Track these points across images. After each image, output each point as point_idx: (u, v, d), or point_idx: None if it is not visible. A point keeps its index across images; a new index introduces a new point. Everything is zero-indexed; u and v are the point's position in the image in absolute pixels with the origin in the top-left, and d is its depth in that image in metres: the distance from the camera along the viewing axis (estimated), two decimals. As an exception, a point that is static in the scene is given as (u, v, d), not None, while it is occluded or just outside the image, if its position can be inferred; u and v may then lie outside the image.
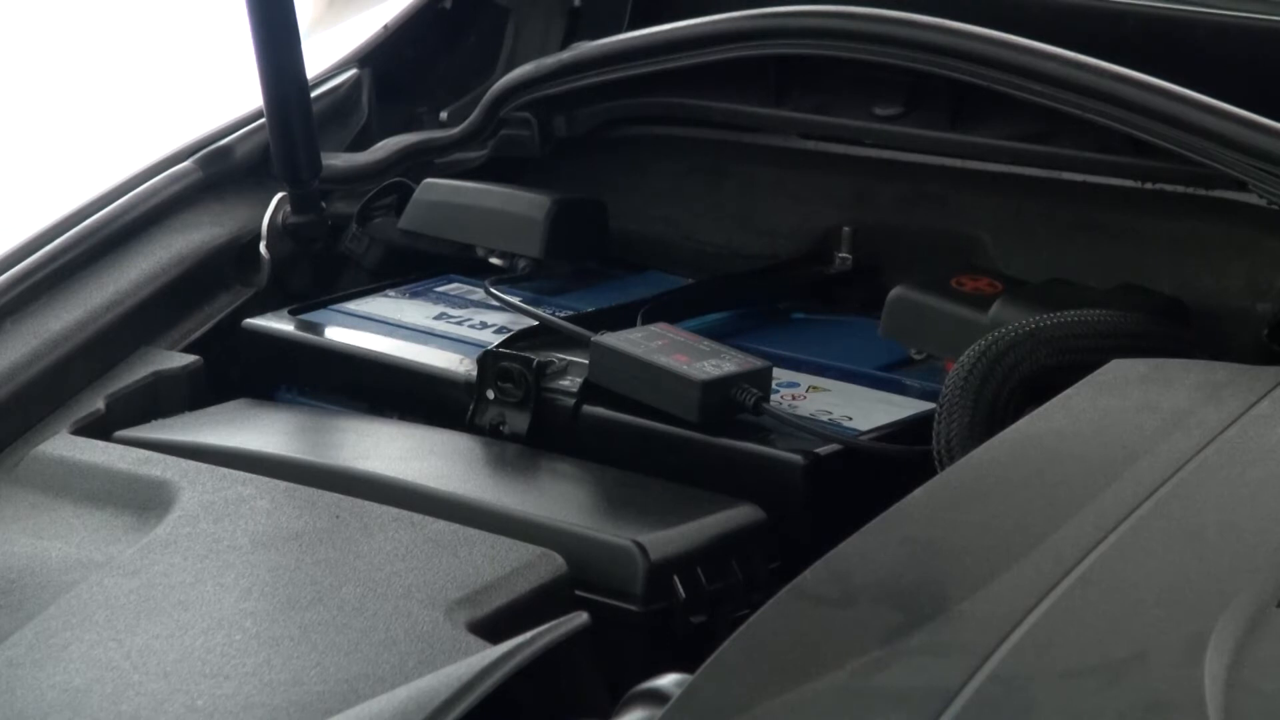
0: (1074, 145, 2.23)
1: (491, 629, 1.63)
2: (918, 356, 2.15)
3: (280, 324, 2.25)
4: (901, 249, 2.37)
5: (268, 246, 2.34)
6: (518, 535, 1.77)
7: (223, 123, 2.42)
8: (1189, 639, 1.29)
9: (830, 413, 2.02)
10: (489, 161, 2.51)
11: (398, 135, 2.53)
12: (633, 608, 1.76)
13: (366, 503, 1.83)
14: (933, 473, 1.66)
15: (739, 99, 2.41)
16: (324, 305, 2.31)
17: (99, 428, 2.04)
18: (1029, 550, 1.40)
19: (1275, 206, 2.14)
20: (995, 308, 2.02)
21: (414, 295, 2.35)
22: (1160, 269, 2.21)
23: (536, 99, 2.47)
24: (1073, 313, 1.94)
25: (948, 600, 1.34)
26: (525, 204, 2.37)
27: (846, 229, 2.39)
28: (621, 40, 2.44)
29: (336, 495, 1.85)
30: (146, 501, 1.85)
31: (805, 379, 2.12)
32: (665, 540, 1.79)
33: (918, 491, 1.51)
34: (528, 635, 1.46)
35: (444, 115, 2.62)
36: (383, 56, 2.60)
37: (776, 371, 2.04)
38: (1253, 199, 2.17)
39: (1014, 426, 1.68)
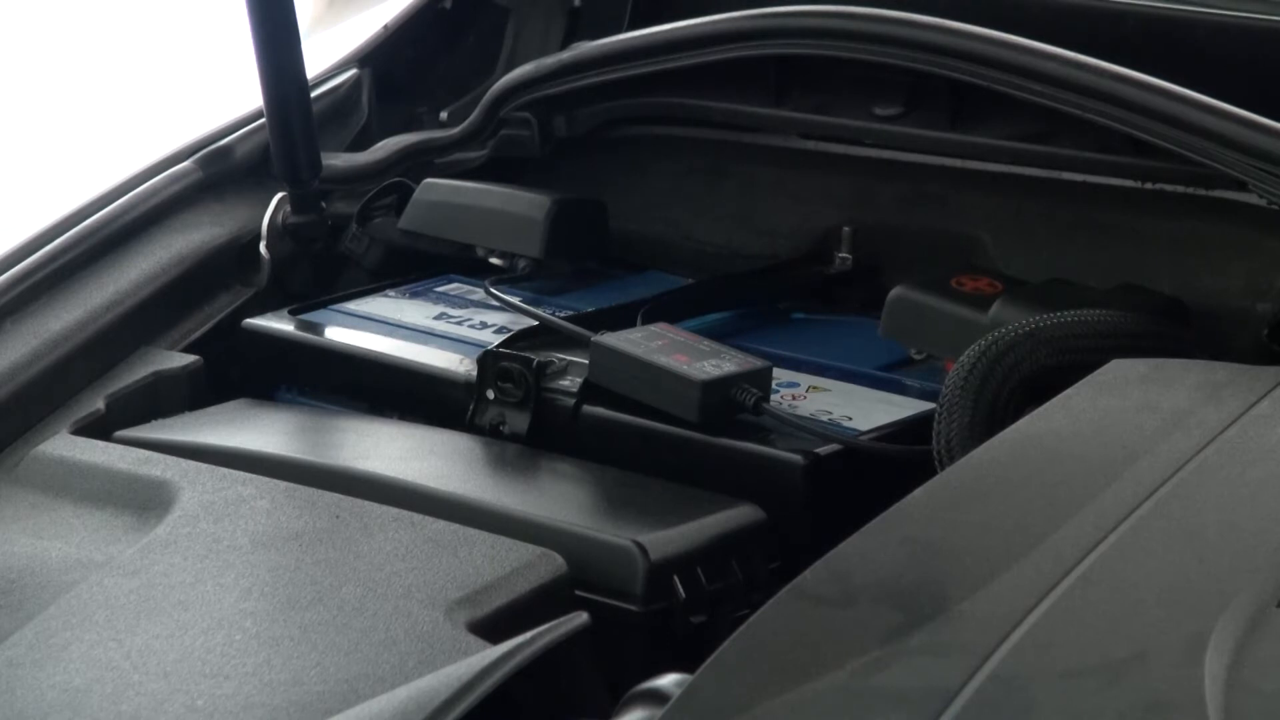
0: (1074, 145, 2.23)
1: (491, 629, 1.63)
2: (918, 356, 2.15)
3: (280, 324, 2.25)
4: (901, 249, 2.37)
5: (268, 246, 2.34)
6: (518, 535, 1.77)
7: (223, 123, 2.42)
8: (1189, 639, 1.29)
9: (830, 413, 2.02)
10: (489, 161, 2.51)
11: (398, 135, 2.53)
12: (633, 608, 1.76)
13: (366, 503, 1.83)
14: (933, 473, 1.66)
15: (739, 99, 2.41)
16: (324, 305, 2.31)
17: (99, 428, 2.04)
18: (1029, 550, 1.40)
19: (1275, 206, 2.14)
20: (995, 308, 2.02)
21: (414, 295, 2.35)
22: (1160, 269, 2.21)
23: (536, 99, 2.47)
24: (1073, 313, 1.94)
25: (948, 600, 1.34)
26: (525, 204, 2.37)
27: (846, 229, 2.39)
28: (621, 40, 2.44)
29: (336, 495, 1.85)
30: (146, 501, 1.85)
31: (805, 379, 2.12)
32: (665, 540, 1.79)
33: (918, 491, 1.51)
34: (528, 635, 1.46)
35: (444, 115, 2.63)
36: (383, 56, 2.60)
37: (776, 371, 2.04)
38: (1253, 199, 2.17)
39: (1014, 426, 1.68)
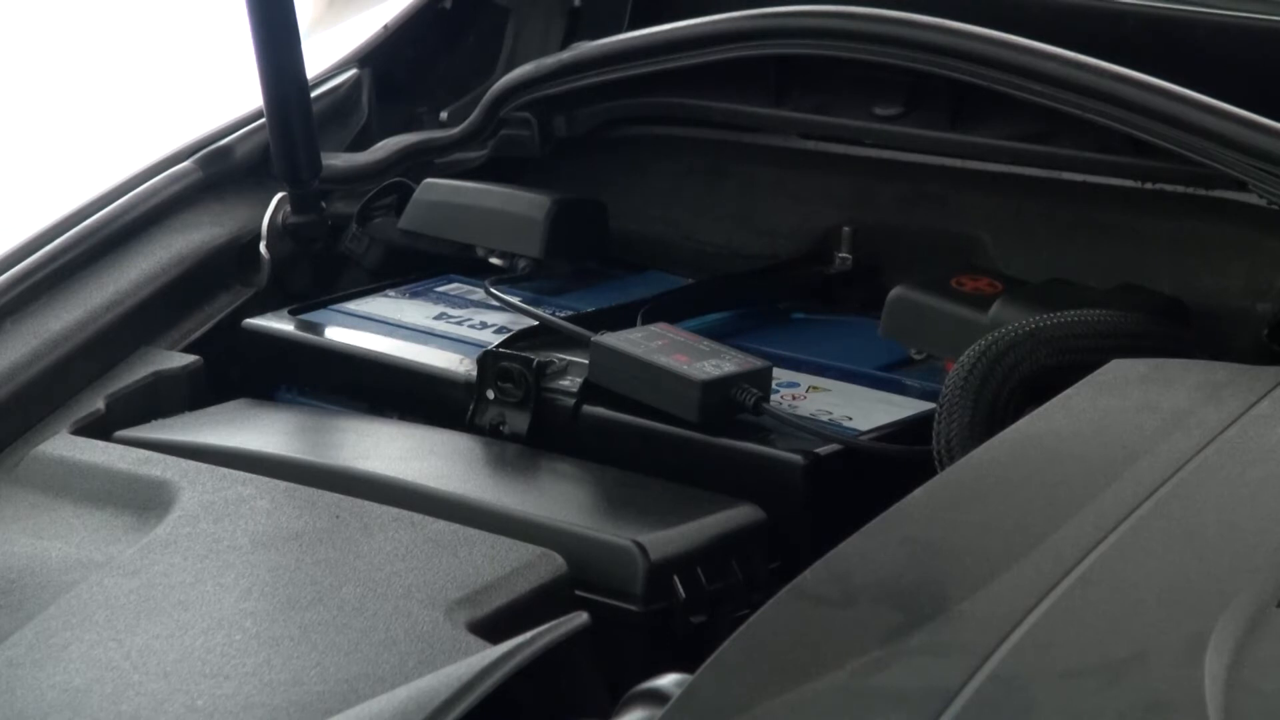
0: (1074, 145, 2.23)
1: (491, 629, 1.63)
2: (918, 356, 2.16)
3: (280, 324, 2.25)
4: (901, 249, 2.37)
5: (268, 246, 2.34)
6: (518, 535, 1.77)
7: (223, 123, 2.42)
8: (1189, 639, 1.29)
9: (830, 413, 2.02)
10: (489, 161, 2.51)
11: (398, 135, 2.53)
12: (633, 608, 1.76)
13: (366, 503, 1.83)
14: (933, 473, 1.66)
15: (739, 99, 2.41)
16: (324, 305, 2.31)
17: (99, 428, 2.04)
18: (1029, 550, 1.40)
19: (1275, 206, 2.14)
20: (995, 308, 2.02)
21: (414, 295, 2.35)
22: (1160, 269, 2.21)
23: (536, 99, 2.47)
24: (1073, 313, 1.94)
25: (948, 600, 1.34)
26: (525, 204, 2.37)
27: (846, 229, 2.39)
28: (621, 40, 2.44)
29: (336, 495, 1.85)
30: (146, 501, 1.85)
31: (805, 379, 2.12)
32: (665, 540, 1.79)
33: (918, 491, 1.51)
34: (528, 635, 1.46)
35: (444, 115, 2.63)
36: (383, 56, 2.60)
37: (776, 371, 2.04)
38: (1253, 199, 2.17)
39: (1014, 426, 1.68)
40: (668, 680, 1.30)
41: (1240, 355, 1.97)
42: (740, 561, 1.83)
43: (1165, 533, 1.45)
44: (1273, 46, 2.29)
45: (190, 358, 2.18)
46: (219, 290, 2.31)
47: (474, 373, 2.07)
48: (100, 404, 2.08)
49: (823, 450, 1.92)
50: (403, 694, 1.41)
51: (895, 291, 2.11)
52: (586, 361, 2.04)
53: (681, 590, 1.78)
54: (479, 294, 2.34)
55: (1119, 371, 1.77)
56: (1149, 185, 2.27)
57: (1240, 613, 1.32)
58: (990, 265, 2.27)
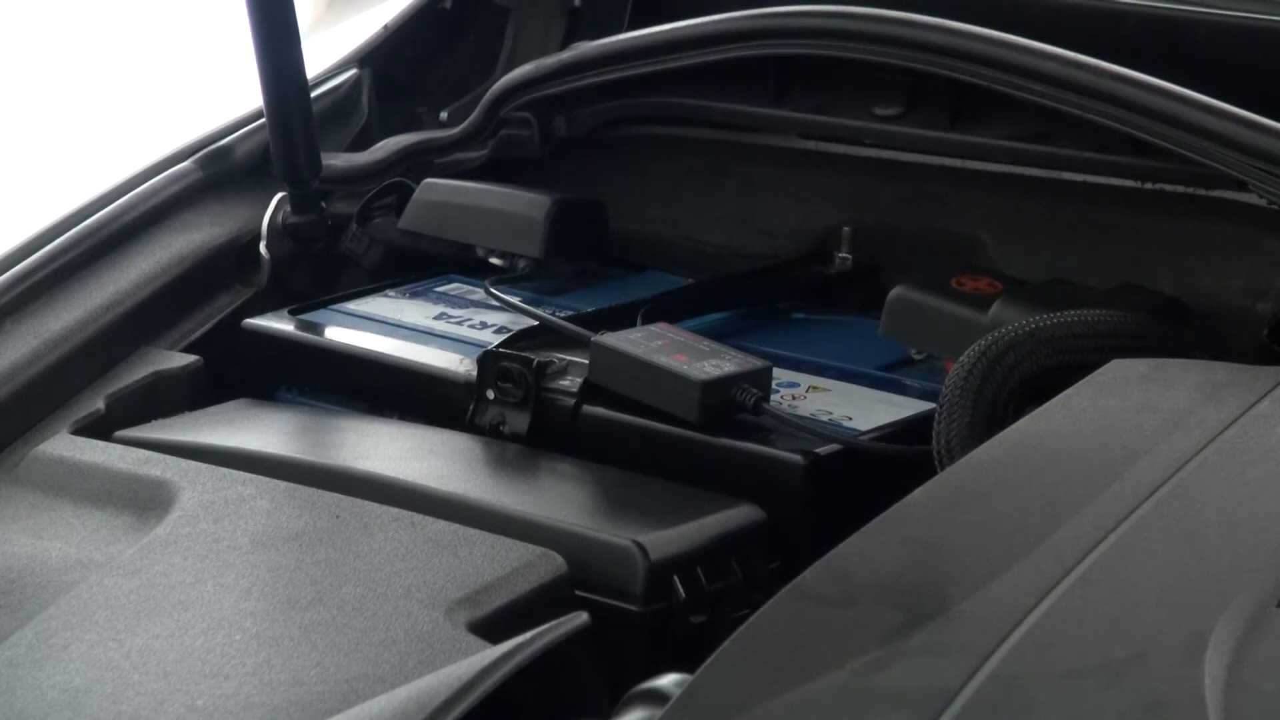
0: (1074, 145, 2.23)
1: (491, 629, 1.63)
2: (918, 356, 2.16)
3: (280, 324, 2.25)
4: (901, 249, 2.37)
5: (268, 246, 2.34)
6: (518, 535, 1.77)
7: (223, 123, 2.42)
8: (1189, 639, 1.29)
9: (830, 413, 2.02)
10: (489, 161, 2.51)
11: (398, 135, 2.53)
12: (633, 608, 1.76)
13: (366, 503, 1.83)
14: (933, 473, 1.66)
15: (739, 99, 2.41)
16: (324, 305, 2.31)
17: (99, 428, 2.04)
18: (1029, 550, 1.40)
19: (1275, 206, 2.14)
20: (995, 308, 2.02)
21: (414, 295, 2.35)
22: (1160, 269, 2.21)
23: (536, 99, 2.47)
24: (1073, 313, 1.94)
25: (948, 600, 1.34)
26: (525, 204, 2.37)
27: (846, 229, 2.39)
28: (621, 40, 2.44)
29: (336, 495, 1.85)
30: (146, 501, 1.85)
31: (805, 379, 2.12)
32: (665, 540, 1.79)
33: (918, 491, 1.51)
34: (528, 635, 1.46)
35: (444, 115, 2.62)
36: (383, 56, 2.60)
37: (776, 371, 2.04)
38: (1253, 199, 2.17)
39: (1014, 426, 1.68)
40: (668, 680, 1.30)
41: (1240, 355, 1.97)
42: (740, 561, 1.83)
43: (1165, 533, 1.45)
44: (1273, 46, 2.29)
45: (190, 358, 2.18)
46: (219, 290, 2.31)
47: (474, 373, 2.07)
48: (100, 404, 2.08)
49: (823, 450, 1.92)
50: (403, 694, 1.41)
51: (895, 291, 2.11)
52: (586, 361, 2.04)
53: (681, 590, 1.77)
54: (479, 294, 2.34)
55: (1119, 371, 1.77)
56: (1149, 185, 2.27)
57: (1240, 613, 1.32)
58: (990, 265, 2.27)
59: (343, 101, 2.55)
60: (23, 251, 2.17)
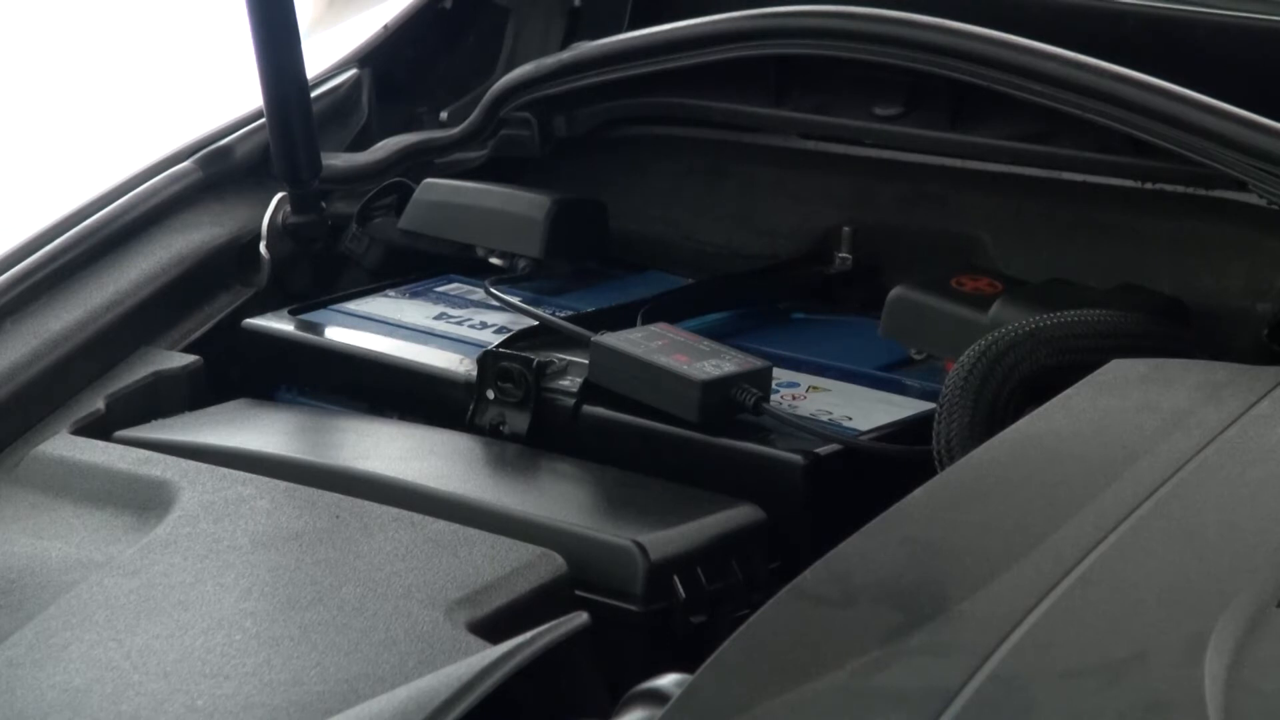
0: (1074, 145, 2.23)
1: (491, 629, 1.63)
2: (918, 356, 2.16)
3: (280, 324, 2.25)
4: (901, 249, 2.37)
5: (268, 246, 2.34)
6: (518, 535, 1.77)
7: (223, 123, 2.42)
8: (1189, 639, 1.29)
9: (830, 413, 2.02)
10: (489, 161, 2.51)
11: (398, 135, 2.53)
12: (633, 608, 1.76)
13: (366, 503, 1.83)
14: (933, 473, 1.66)
15: (739, 99, 2.41)
16: (324, 305, 2.31)
17: (99, 428, 2.04)
18: (1029, 550, 1.40)
19: (1275, 206, 2.14)
20: (995, 308, 2.02)
21: (414, 295, 2.35)
22: (1160, 269, 2.21)
23: (536, 99, 2.47)
24: (1073, 313, 1.94)
25: (948, 600, 1.34)
26: (525, 204, 2.37)
27: (846, 229, 2.39)
28: (621, 40, 2.44)
29: (336, 495, 1.85)
30: (146, 501, 1.85)
31: (805, 379, 2.12)
32: (665, 540, 1.79)
33: (918, 491, 1.51)
34: (528, 635, 1.46)
35: (444, 115, 2.63)
36: (383, 56, 2.60)
37: (776, 371, 2.04)
38: (1253, 199, 2.17)
39: (1014, 426, 1.68)
40: (668, 680, 1.30)
41: (1240, 355, 1.97)
42: (740, 561, 1.83)
43: (1165, 533, 1.45)
44: (1273, 46, 2.29)
45: (190, 358, 2.18)
46: (219, 290, 2.31)
47: (474, 373, 2.07)
48: (100, 404, 2.08)
49: (823, 450, 1.92)
50: (403, 694, 1.41)
51: (895, 291, 2.11)
52: (586, 361, 2.04)
53: (681, 590, 1.77)
54: (479, 294, 2.34)
55: (1119, 371, 1.77)
56: (1149, 185, 2.27)
57: (1240, 613, 1.32)
58: (990, 265, 2.27)
59: (343, 101, 2.55)
60: (23, 251, 2.17)
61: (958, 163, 2.38)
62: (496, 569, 1.71)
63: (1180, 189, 2.25)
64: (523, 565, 1.73)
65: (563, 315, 2.21)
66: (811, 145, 2.48)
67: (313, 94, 2.36)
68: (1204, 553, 1.43)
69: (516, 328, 2.18)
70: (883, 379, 2.13)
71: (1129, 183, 2.27)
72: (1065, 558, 1.38)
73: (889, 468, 1.91)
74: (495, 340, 2.14)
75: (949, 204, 2.37)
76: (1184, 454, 1.56)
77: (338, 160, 2.43)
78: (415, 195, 2.40)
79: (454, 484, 1.90)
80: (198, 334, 2.25)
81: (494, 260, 2.40)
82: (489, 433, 2.05)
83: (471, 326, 2.25)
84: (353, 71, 2.57)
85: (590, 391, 2.02)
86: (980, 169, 2.36)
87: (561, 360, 2.07)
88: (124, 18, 2.96)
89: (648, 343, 2.01)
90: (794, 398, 2.06)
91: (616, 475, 1.96)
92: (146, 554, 1.74)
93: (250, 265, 2.34)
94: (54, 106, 2.70)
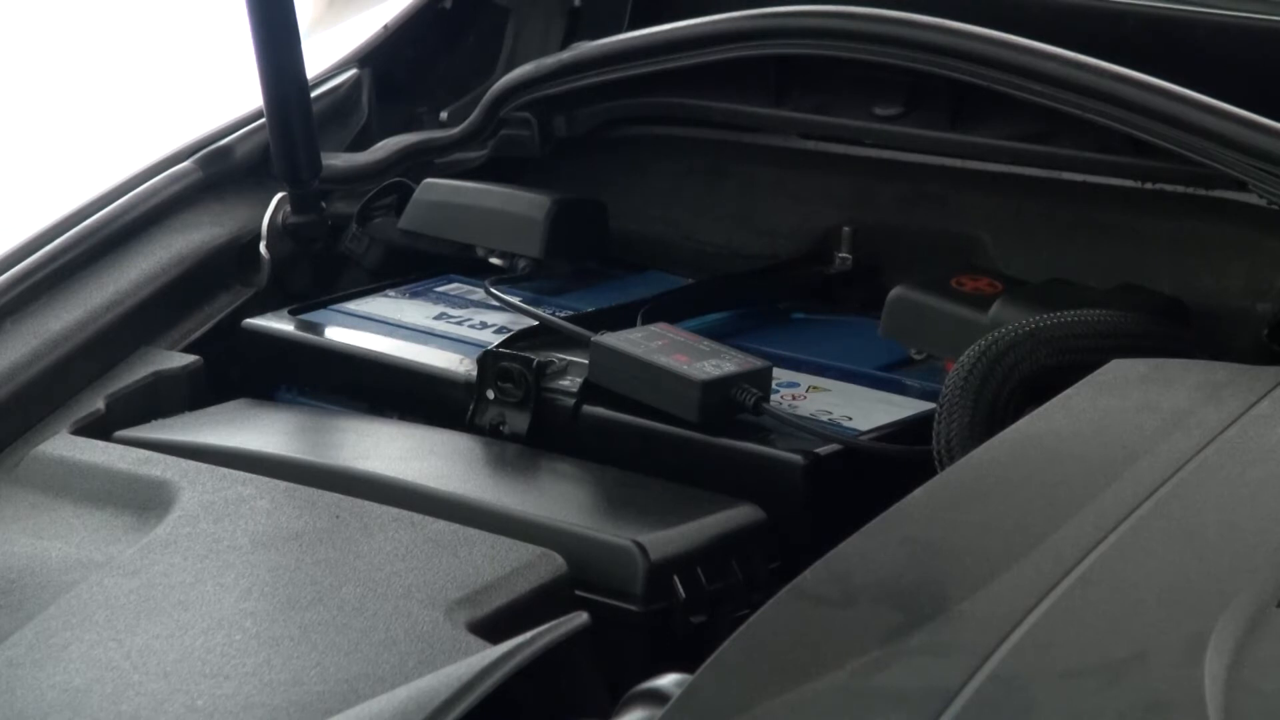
0: (1074, 145, 2.23)
1: (491, 629, 1.63)
2: (918, 356, 2.16)
3: (280, 324, 2.25)
4: (901, 249, 2.37)
5: (268, 246, 2.34)
6: (518, 535, 1.77)
7: (223, 123, 2.42)
8: (1189, 639, 1.29)
9: (830, 413, 2.02)
10: (489, 161, 2.51)
11: (398, 135, 2.53)
12: (633, 608, 1.76)
13: (366, 503, 1.83)
14: (933, 473, 1.66)
15: (739, 99, 2.41)
16: (324, 305, 2.31)
17: (99, 428, 2.04)
18: (1029, 550, 1.40)
19: (1275, 206, 2.14)
20: (995, 308, 2.02)
21: (414, 295, 2.35)
22: (1160, 269, 2.21)
23: (536, 99, 2.47)
24: (1073, 313, 1.94)
25: (948, 600, 1.34)
26: (525, 204, 2.37)
27: (846, 229, 2.39)
28: (621, 40, 2.44)
29: (336, 495, 1.85)
30: (146, 501, 1.85)
31: (805, 379, 2.12)
32: (665, 540, 1.79)
33: (918, 491, 1.51)
34: (528, 635, 1.46)
35: (444, 115, 2.63)
36: (383, 56, 2.60)
37: (776, 371, 2.04)
38: (1253, 199, 2.17)
39: (1014, 426, 1.68)
40: (668, 680, 1.30)
41: (1240, 355, 1.97)
42: (740, 561, 1.83)
43: (1165, 533, 1.45)
44: (1273, 46, 2.29)
45: (190, 358, 2.18)
46: (219, 290, 2.31)
47: (474, 373, 2.07)
48: (100, 404, 2.08)
49: (823, 450, 1.92)
50: (403, 694, 1.41)
51: (895, 291, 2.11)
52: (586, 361, 2.04)
53: (681, 590, 1.77)
54: (479, 294, 2.34)
55: (1119, 371, 1.76)
56: (1149, 185, 2.27)
57: (1240, 613, 1.32)
58: (990, 265, 2.27)
59: (343, 101, 2.55)
60: (23, 251, 2.17)
61: (958, 163, 2.38)
62: (496, 569, 1.71)
63: (1180, 189, 2.25)
64: (523, 565, 1.73)
65: (563, 315, 2.21)
66: (811, 145, 2.48)
67: (313, 94, 2.36)
68: (1204, 553, 1.43)
69: (516, 328, 2.18)
70: (883, 379, 2.13)
71: (1129, 183, 2.27)
72: (1065, 558, 1.38)
73: (889, 468, 1.91)
74: (495, 340, 2.14)
75: (949, 204, 2.37)
76: (1184, 454, 1.56)
77: (338, 160, 2.43)
78: (415, 195, 2.40)
79: (454, 484, 1.90)
80: (198, 334, 2.25)
81: (494, 260, 2.40)
82: (489, 433, 2.05)
83: (471, 326, 2.25)
84: (353, 71, 2.57)
85: (590, 391, 2.02)
86: (980, 169, 2.36)
87: (561, 360, 2.07)
88: (124, 18, 2.96)
89: (648, 343, 2.01)
90: (794, 398, 2.06)
91: (616, 475, 1.96)
92: (146, 554, 1.74)
93: (250, 265, 2.34)
94: (54, 106, 2.70)
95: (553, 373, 2.05)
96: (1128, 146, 2.17)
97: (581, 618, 1.53)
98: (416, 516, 1.80)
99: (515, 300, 2.27)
